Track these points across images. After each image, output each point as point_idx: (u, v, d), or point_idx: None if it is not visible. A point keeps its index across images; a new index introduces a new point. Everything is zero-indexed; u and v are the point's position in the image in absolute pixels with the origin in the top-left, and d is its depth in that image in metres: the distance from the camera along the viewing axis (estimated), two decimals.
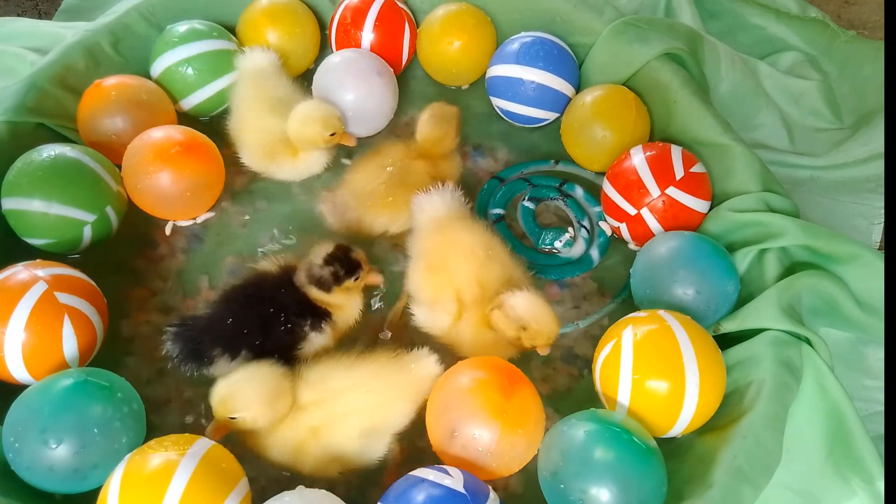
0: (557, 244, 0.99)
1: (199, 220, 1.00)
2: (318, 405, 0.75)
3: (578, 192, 1.06)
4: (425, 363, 0.78)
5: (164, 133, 0.93)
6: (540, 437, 0.73)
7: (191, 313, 0.89)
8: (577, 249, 0.99)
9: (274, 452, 0.75)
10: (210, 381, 0.85)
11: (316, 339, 0.85)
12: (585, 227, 1.02)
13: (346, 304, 0.87)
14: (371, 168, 0.98)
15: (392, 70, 1.11)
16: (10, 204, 0.87)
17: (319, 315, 0.85)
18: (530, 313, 0.79)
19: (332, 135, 0.99)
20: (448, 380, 0.75)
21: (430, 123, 0.98)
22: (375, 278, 0.89)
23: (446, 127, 0.98)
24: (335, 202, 0.96)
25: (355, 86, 1.05)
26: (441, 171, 0.98)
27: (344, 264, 0.84)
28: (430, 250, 0.88)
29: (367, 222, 0.96)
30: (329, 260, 0.84)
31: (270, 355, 0.79)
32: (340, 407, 0.75)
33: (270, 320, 0.82)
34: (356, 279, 0.85)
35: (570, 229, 1.01)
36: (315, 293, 0.85)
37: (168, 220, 0.99)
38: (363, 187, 0.96)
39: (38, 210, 0.86)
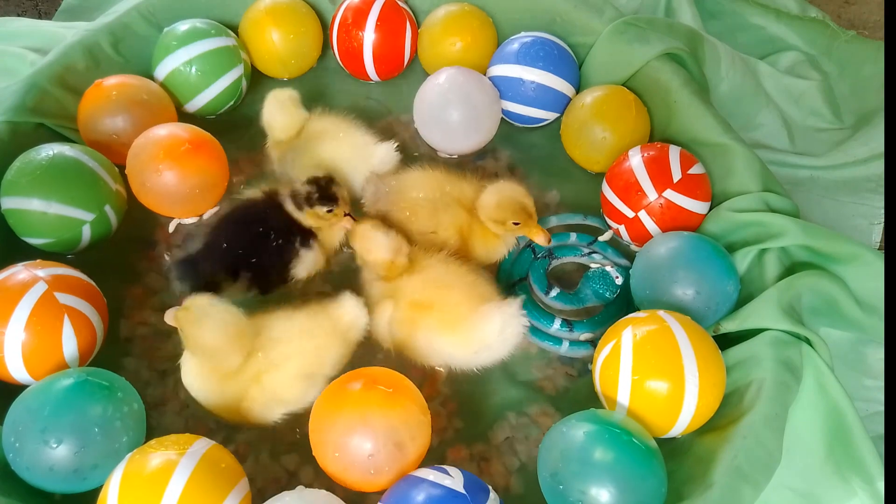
0: (608, 293, 0.92)
1: (204, 217, 1.00)
2: (260, 352, 0.78)
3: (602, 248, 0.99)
4: (349, 307, 0.81)
5: (171, 131, 0.93)
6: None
7: (185, 247, 0.93)
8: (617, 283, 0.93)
9: (220, 398, 0.78)
10: None
11: (307, 257, 0.89)
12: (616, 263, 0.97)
13: (326, 228, 0.91)
14: (430, 181, 0.95)
15: (494, 87, 1.08)
16: (9, 203, 0.87)
17: (305, 234, 0.89)
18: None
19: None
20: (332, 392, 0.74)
21: (494, 206, 0.91)
22: (346, 223, 0.90)
23: (508, 213, 0.90)
24: (379, 186, 0.96)
25: (460, 104, 1.03)
26: (486, 239, 0.94)
27: (320, 190, 0.87)
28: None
29: (393, 220, 0.94)
30: (310, 181, 0.88)
31: (267, 274, 0.87)
32: (279, 353, 0.78)
33: (262, 240, 0.87)
34: (328, 211, 0.88)
35: (609, 268, 0.93)
36: (296, 213, 0.89)
37: (172, 218, 0.99)
38: (411, 191, 0.95)
39: (36, 209, 0.86)
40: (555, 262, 0.97)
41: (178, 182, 0.92)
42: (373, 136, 1.00)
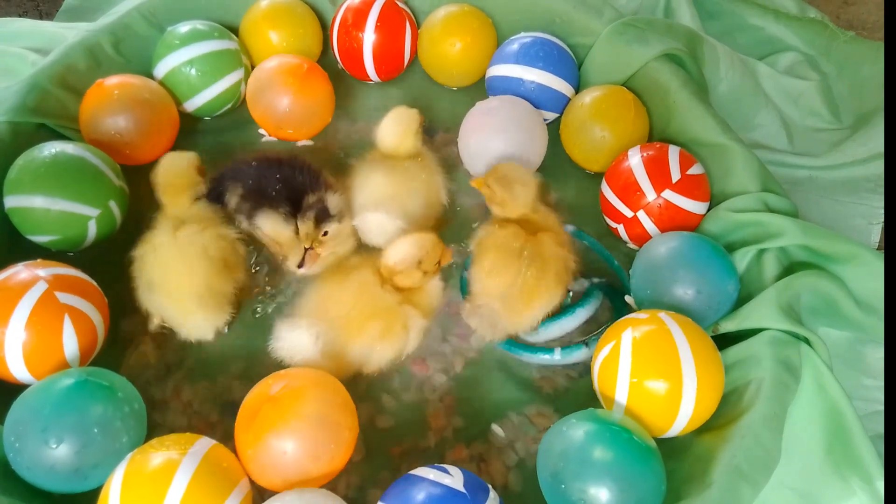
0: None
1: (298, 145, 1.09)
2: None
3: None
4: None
5: (288, 58, 1.07)
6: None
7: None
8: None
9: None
10: (208, 381, 0.85)
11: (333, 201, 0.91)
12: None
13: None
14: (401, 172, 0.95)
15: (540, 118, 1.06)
16: (13, 202, 0.87)
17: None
18: (397, 257, 0.83)
19: (420, 125, 0.98)
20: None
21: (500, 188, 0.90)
22: (316, 253, 0.90)
23: (511, 191, 0.89)
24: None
25: (507, 133, 1.00)
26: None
27: (320, 212, 0.89)
28: None
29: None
30: (317, 203, 0.89)
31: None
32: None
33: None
34: (322, 233, 0.89)
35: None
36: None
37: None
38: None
39: (40, 206, 0.86)
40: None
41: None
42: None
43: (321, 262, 0.90)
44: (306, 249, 0.89)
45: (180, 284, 0.84)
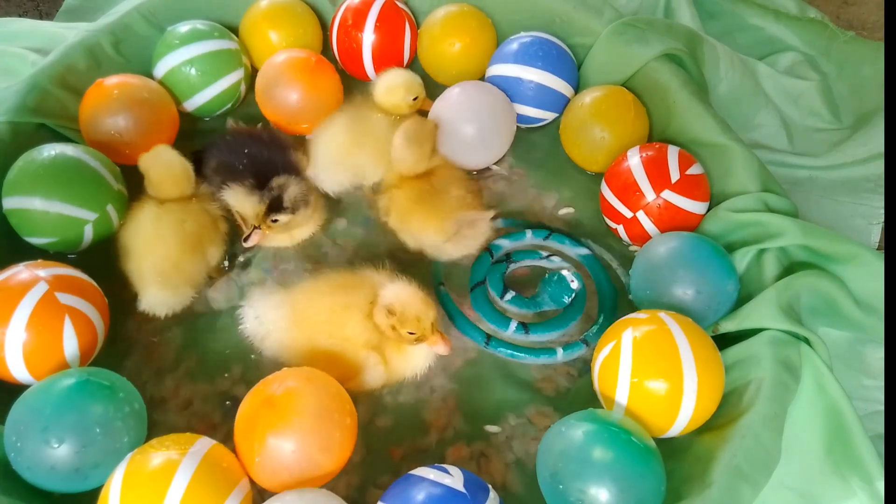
0: (565, 297, 0.90)
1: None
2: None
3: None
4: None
5: (296, 52, 1.08)
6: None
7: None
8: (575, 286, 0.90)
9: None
10: (208, 381, 0.85)
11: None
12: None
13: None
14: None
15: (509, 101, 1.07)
16: (12, 203, 0.87)
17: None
18: (396, 298, 0.79)
19: (415, 99, 1.03)
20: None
21: (403, 148, 0.95)
22: (256, 237, 0.92)
23: (419, 149, 0.95)
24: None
25: (476, 118, 1.03)
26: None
27: (274, 201, 0.91)
28: None
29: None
30: (277, 189, 0.91)
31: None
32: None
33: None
34: (271, 220, 0.91)
35: (565, 273, 0.90)
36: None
37: None
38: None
39: (39, 209, 0.86)
40: (512, 266, 0.97)
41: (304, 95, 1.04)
42: None
43: (269, 239, 0.94)
44: (254, 227, 0.92)
45: (146, 254, 0.87)
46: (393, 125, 1.01)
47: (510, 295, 0.93)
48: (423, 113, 1.07)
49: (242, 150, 0.95)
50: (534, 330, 0.90)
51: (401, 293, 0.79)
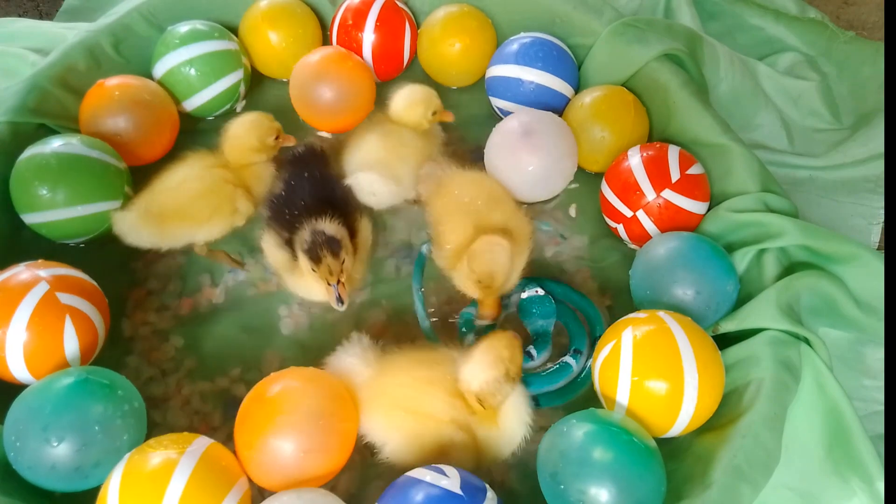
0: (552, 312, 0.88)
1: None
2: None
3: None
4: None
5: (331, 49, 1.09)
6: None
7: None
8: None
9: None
10: (206, 381, 0.86)
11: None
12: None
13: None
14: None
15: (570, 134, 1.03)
16: (35, 218, 0.89)
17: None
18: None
19: (434, 113, 1.02)
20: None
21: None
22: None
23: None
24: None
25: (537, 154, 0.98)
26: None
27: (315, 247, 0.83)
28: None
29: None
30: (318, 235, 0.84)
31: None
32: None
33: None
34: (314, 261, 0.83)
35: (539, 291, 0.90)
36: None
37: None
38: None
39: (64, 217, 0.88)
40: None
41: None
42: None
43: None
44: (329, 284, 0.83)
45: (161, 195, 0.90)
46: (423, 137, 1.01)
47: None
48: (444, 125, 1.06)
49: (281, 190, 0.91)
50: (539, 349, 0.87)
51: (476, 374, 0.72)
